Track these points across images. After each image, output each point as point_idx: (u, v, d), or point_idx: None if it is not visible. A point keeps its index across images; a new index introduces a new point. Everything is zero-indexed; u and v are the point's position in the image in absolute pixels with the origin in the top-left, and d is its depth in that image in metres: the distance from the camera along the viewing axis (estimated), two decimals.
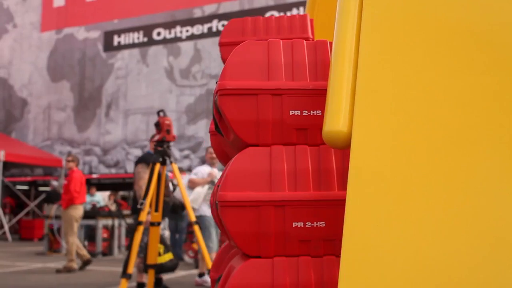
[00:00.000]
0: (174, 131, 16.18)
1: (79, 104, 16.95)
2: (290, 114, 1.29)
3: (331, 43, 1.37)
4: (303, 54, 1.34)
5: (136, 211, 4.86)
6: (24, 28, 18.14)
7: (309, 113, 1.30)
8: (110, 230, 10.63)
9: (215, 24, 16.09)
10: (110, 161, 16.29)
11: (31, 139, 17.12)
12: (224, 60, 2.74)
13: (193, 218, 4.60)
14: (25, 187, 17.66)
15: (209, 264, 4.51)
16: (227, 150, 1.69)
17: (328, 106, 1.13)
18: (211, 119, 2.06)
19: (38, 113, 17.34)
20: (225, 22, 15.93)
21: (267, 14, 15.70)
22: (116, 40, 16.91)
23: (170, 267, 4.93)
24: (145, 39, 16.61)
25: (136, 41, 16.70)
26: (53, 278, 7.35)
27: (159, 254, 4.82)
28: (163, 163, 4.59)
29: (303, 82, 1.31)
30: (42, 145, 16.94)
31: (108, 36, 17.02)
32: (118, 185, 16.37)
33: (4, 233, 14.62)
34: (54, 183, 14.59)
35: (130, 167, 16.04)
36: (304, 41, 1.36)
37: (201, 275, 6.34)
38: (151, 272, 4.82)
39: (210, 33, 16.04)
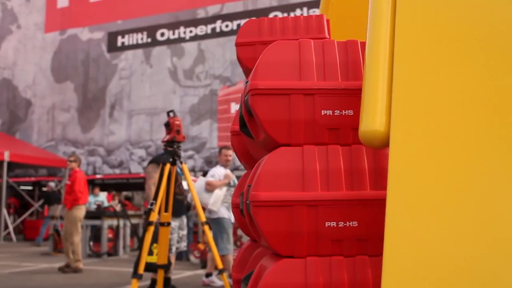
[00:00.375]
0: None
1: (83, 105, 16.97)
2: (322, 114, 1.30)
3: (362, 43, 1.37)
4: (334, 54, 1.34)
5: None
6: (28, 29, 18.17)
7: (340, 112, 1.30)
8: (115, 230, 10.63)
9: (219, 25, 16.08)
10: (114, 161, 16.31)
11: (35, 140, 17.14)
12: (240, 60, 2.74)
13: (203, 219, 4.60)
14: (29, 188, 17.70)
15: (220, 264, 4.51)
16: (252, 151, 1.69)
17: (363, 106, 1.13)
18: (235, 118, 2.06)
19: (42, 113, 17.37)
20: (229, 23, 15.94)
21: (271, 15, 15.70)
22: (120, 40, 16.92)
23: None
24: (149, 40, 16.62)
25: (139, 41, 16.72)
26: (59, 278, 7.36)
27: (152, 254, 4.75)
28: (173, 163, 4.59)
29: (334, 82, 1.31)
30: (46, 145, 16.96)
31: (112, 37, 17.04)
32: (122, 185, 16.39)
33: (9, 233, 14.63)
34: (51, 184, 14.57)
35: (134, 168, 16.07)
36: (335, 41, 1.36)
37: (208, 275, 6.34)
38: (161, 272, 4.82)
39: (214, 34, 16.04)
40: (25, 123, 17.58)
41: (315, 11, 15.98)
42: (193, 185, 4.83)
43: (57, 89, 17.32)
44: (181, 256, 8.89)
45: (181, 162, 4.63)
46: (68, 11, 17.72)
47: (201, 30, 16.18)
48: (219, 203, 5.91)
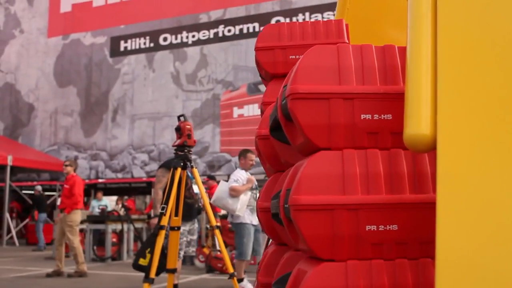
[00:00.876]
0: None
1: (85, 109, 16.98)
2: (362, 118, 1.31)
3: (399, 47, 1.38)
4: (373, 58, 1.35)
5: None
6: (31, 34, 18.21)
7: (380, 117, 1.31)
8: (119, 234, 10.61)
9: (221, 29, 16.13)
10: (116, 166, 16.30)
11: (38, 144, 17.14)
12: (259, 64, 2.75)
13: (213, 223, 4.61)
14: (31, 192, 17.68)
15: (231, 268, 4.52)
16: (283, 155, 1.70)
17: (408, 110, 1.14)
18: (261, 122, 2.07)
19: (45, 118, 17.37)
20: (231, 28, 15.97)
21: (273, 20, 15.75)
22: (122, 45, 16.96)
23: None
24: (152, 45, 16.66)
25: (142, 46, 16.76)
26: (64, 282, 7.35)
27: (145, 257, 4.67)
28: (184, 168, 4.59)
29: (373, 87, 1.32)
30: (48, 150, 16.97)
31: (114, 42, 17.08)
32: (125, 189, 16.39)
33: (11, 237, 14.61)
34: (39, 187, 14.52)
35: (136, 172, 16.07)
36: (373, 46, 1.37)
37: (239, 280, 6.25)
38: (171, 277, 4.81)
39: (216, 38, 16.07)
40: (27, 128, 17.59)
41: (317, 16, 16.01)
42: (203, 189, 4.84)
43: (60, 94, 17.33)
44: (185, 260, 8.88)
45: (191, 167, 4.64)
46: (71, 15, 17.76)
47: (203, 34, 16.22)
48: (245, 208, 5.87)
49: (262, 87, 15.02)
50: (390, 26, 3.34)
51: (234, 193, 5.88)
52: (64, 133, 17.06)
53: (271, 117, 1.62)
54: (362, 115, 1.30)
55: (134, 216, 11.73)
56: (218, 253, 8.49)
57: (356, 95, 1.31)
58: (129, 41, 16.89)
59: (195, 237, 5.90)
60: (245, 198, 5.87)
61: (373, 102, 1.31)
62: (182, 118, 4.66)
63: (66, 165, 8.30)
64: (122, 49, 16.94)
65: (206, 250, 8.80)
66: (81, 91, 17.15)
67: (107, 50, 17.12)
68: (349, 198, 1.26)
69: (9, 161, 13.77)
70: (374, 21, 3.25)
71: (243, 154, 6.32)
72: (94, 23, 17.40)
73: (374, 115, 1.31)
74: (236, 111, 15.58)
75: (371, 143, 1.31)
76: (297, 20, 16.72)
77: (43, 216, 13.96)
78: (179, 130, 4.62)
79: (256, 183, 6.22)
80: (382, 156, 1.30)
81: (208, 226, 9.73)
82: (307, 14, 15.94)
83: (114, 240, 10.51)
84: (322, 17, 15.41)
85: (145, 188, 17.61)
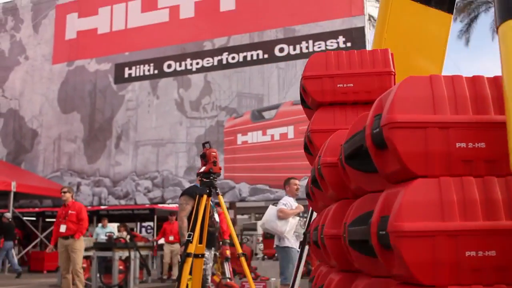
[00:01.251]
0: (184, 163, 16.18)
1: (89, 136, 16.99)
2: (457, 147, 1.35)
3: (487, 78, 1.43)
4: (464, 88, 1.40)
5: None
6: (36, 60, 18.32)
7: (474, 145, 1.35)
8: (126, 262, 10.51)
9: (225, 57, 16.28)
10: (119, 192, 16.23)
11: (41, 170, 17.07)
12: (306, 93, 2.80)
13: (239, 250, 4.61)
14: (33, 218, 17.56)
15: None
16: (358, 182, 1.72)
17: None
18: (326, 150, 2.10)
19: (48, 144, 17.35)
20: (235, 55, 16.14)
21: (277, 47, 15.94)
22: (127, 72, 17.08)
23: None
24: (156, 71, 16.78)
25: (146, 73, 16.88)
26: None
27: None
28: (209, 195, 4.61)
29: (467, 116, 1.37)
30: (51, 176, 16.89)
31: (119, 68, 17.20)
32: (127, 216, 16.27)
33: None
34: (7, 214, 14.31)
35: (139, 199, 15.99)
36: (463, 76, 1.42)
37: None
38: None
39: (220, 66, 16.22)
40: (31, 153, 17.54)
41: (320, 44, 16.19)
42: (229, 217, 4.85)
43: (64, 120, 17.36)
44: None
45: (217, 194, 4.65)
46: (76, 42, 17.91)
47: (207, 62, 16.37)
48: (293, 231, 6.06)
49: (266, 114, 15.11)
50: (422, 56, 3.42)
51: (282, 214, 6.13)
52: (67, 159, 17.02)
53: (350, 145, 1.66)
54: (457, 144, 1.35)
55: (140, 243, 11.66)
56: (228, 280, 8.42)
57: (451, 124, 1.35)
58: (133, 68, 17.02)
59: (211, 264, 5.89)
60: (294, 221, 6.09)
61: (467, 131, 1.36)
62: (207, 145, 4.70)
63: (65, 192, 8.32)
64: (126, 75, 17.06)
65: (216, 278, 8.71)
66: (85, 117, 17.19)
67: (111, 76, 17.23)
68: (448, 224, 1.29)
69: (13, 187, 13.72)
70: (411, 51, 3.32)
71: (287, 182, 6.59)
72: (99, 50, 17.55)
73: (469, 144, 1.35)
74: (240, 138, 15.63)
75: (465, 171, 1.35)
76: (301, 47, 16.93)
77: (9, 244, 14.00)
78: (204, 157, 4.65)
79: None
80: (477, 183, 1.34)
81: (217, 253, 9.68)
82: (310, 42, 16.12)
83: (121, 267, 10.41)
84: (326, 45, 15.58)
85: (148, 215, 17.52)
